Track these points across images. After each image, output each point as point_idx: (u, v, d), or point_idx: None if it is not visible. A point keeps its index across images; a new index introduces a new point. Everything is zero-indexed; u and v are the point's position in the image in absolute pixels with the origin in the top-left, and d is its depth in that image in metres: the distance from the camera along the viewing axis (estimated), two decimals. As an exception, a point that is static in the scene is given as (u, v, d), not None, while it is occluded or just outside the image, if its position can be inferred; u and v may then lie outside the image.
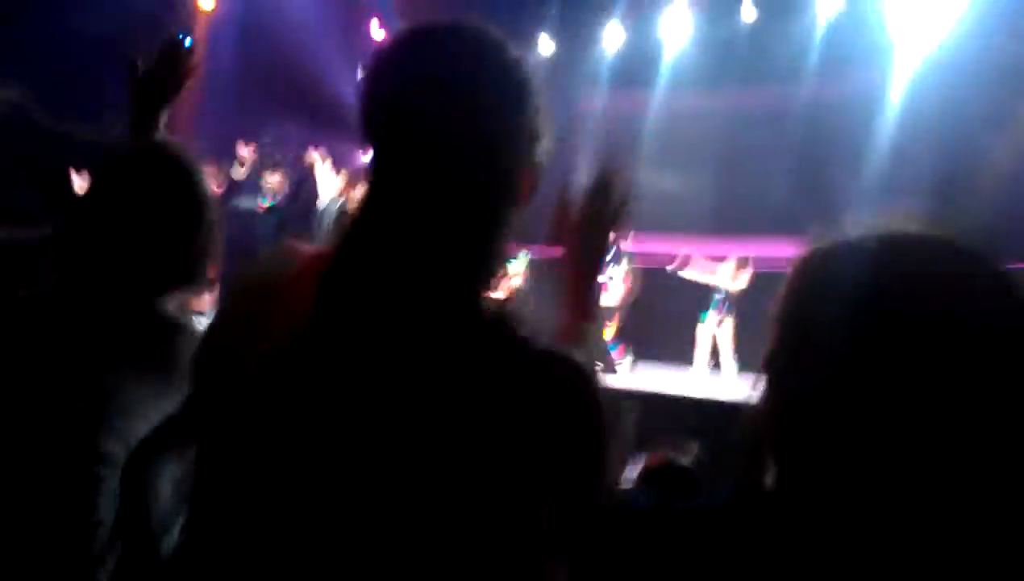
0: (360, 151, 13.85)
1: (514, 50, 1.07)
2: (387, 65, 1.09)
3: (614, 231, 1.42)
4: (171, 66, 1.94)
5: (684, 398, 7.10)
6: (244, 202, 10.77)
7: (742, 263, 9.60)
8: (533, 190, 1.09)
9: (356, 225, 1.05)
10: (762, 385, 1.00)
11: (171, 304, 1.57)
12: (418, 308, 0.99)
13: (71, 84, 18.62)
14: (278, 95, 14.45)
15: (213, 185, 1.69)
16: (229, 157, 16.05)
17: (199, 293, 1.62)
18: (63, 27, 18.52)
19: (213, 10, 14.99)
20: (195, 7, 15.38)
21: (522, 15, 12.75)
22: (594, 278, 1.40)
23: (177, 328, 1.51)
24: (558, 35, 12.78)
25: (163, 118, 1.94)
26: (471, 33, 1.07)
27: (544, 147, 1.09)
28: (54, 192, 19.29)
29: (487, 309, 1.04)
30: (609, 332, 9.99)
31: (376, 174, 1.06)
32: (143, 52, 2.04)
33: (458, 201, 1.01)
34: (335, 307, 1.00)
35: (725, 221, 11.54)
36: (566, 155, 12.54)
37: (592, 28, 12.43)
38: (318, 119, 14.23)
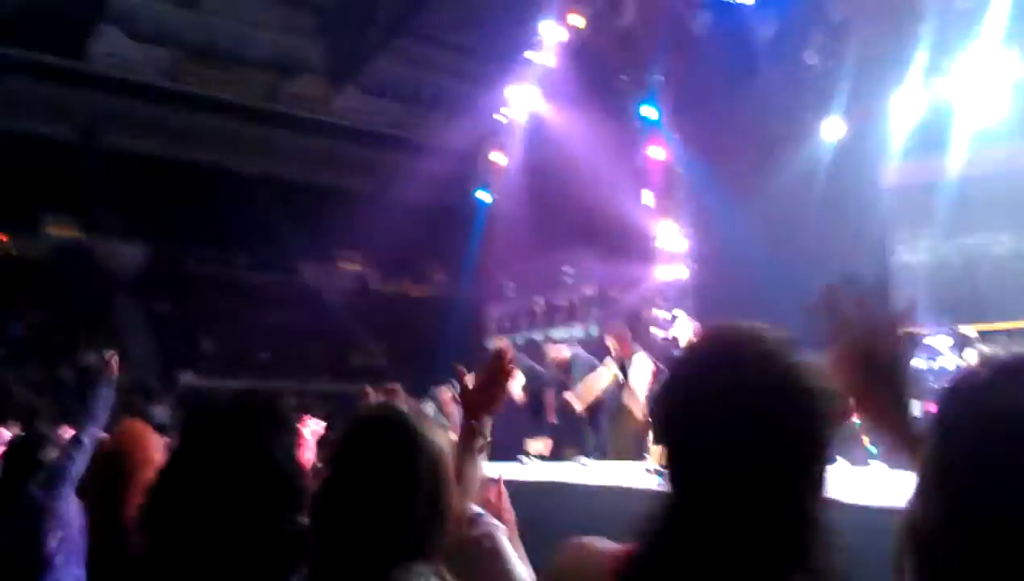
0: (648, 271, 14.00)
1: (801, 355, 1.09)
2: (688, 371, 1.13)
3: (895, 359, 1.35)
4: (495, 379, 2.06)
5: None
6: None
7: None
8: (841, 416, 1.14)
9: (658, 527, 1.07)
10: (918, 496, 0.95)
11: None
12: None
13: (398, 248, 21.16)
14: (572, 229, 15.17)
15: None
16: (536, 293, 16.98)
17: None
18: (385, 199, 21.16)
19: (506, 162, 16.32)
20: (491, 164, 16.87)
21: (803, 102, 12.35)
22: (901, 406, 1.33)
23: None
24: (847, 114, 12.14)
25: (486, 427, 2.04)
26: (761, 342, 1.10)
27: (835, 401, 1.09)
28: (397, 348, 21.47)
29: None
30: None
31: (675, 477, 1.08)
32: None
33: (770, 501, 1.03)
34: None
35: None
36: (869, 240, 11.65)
37: (883, 100, 11.64)
38: (610, 244, 14.65)
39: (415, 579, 1.45)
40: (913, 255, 11.95)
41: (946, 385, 0.98)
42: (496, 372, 2.06)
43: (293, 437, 1.69)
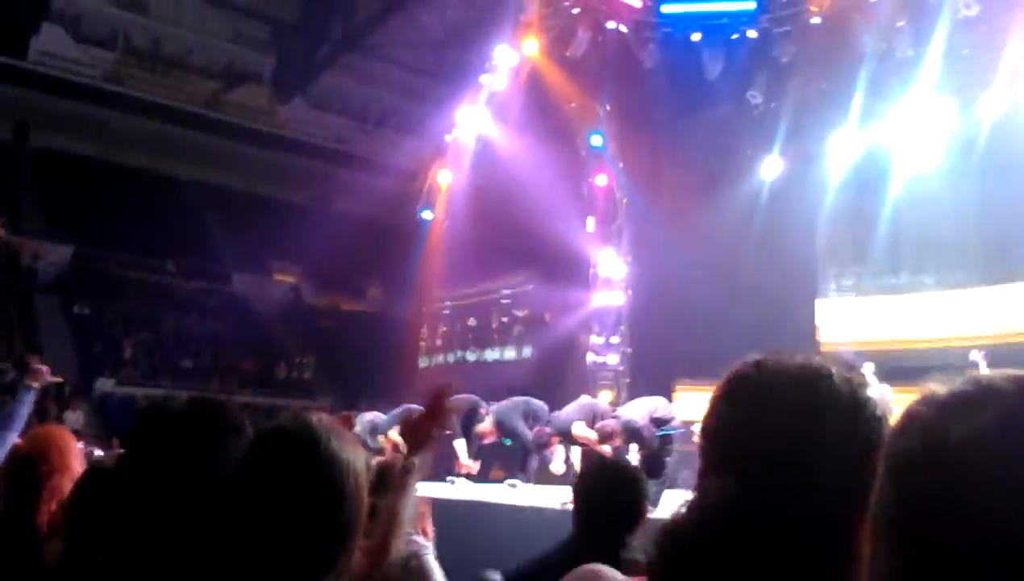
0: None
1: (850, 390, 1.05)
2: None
3: None
4: (433, 416, 2.08)
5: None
6: None
7: None
8: None
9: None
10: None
11: None
12: None
13: (336, 262, 20.95)
14: (513, 252, 15.27)
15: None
16: (472, 313, 16.97)
17: None
18: (325, 214, 20.99)
19: (451, 183, 16.37)
20: (435, 183, 16.89)
21: (745, 140, 12.72)
22: None
23: None
24: (786, 154, 12.58)
25: (423, 462, 2.05)
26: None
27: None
28: (329, 363, 21.12)
29: None
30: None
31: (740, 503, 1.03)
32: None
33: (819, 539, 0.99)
34: None
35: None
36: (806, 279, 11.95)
37: (821, 141, 12.09)
38: (550, 269, 14.78)
39: None
40: (842, 294, 12.37)
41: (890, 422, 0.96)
42: (435, 410, 2.09)
43: (243, 444, 1.63)
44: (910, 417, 0.86)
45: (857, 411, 1.03)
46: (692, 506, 1.04)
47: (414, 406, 9.27)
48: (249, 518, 1.44)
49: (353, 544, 1.48)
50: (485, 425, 9.05)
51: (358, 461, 1.50)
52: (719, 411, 1.09)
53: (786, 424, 1.02)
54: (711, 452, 1.08)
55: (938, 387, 0.84)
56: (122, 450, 1.77)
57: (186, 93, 22.99)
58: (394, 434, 9.07)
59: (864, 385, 1.05)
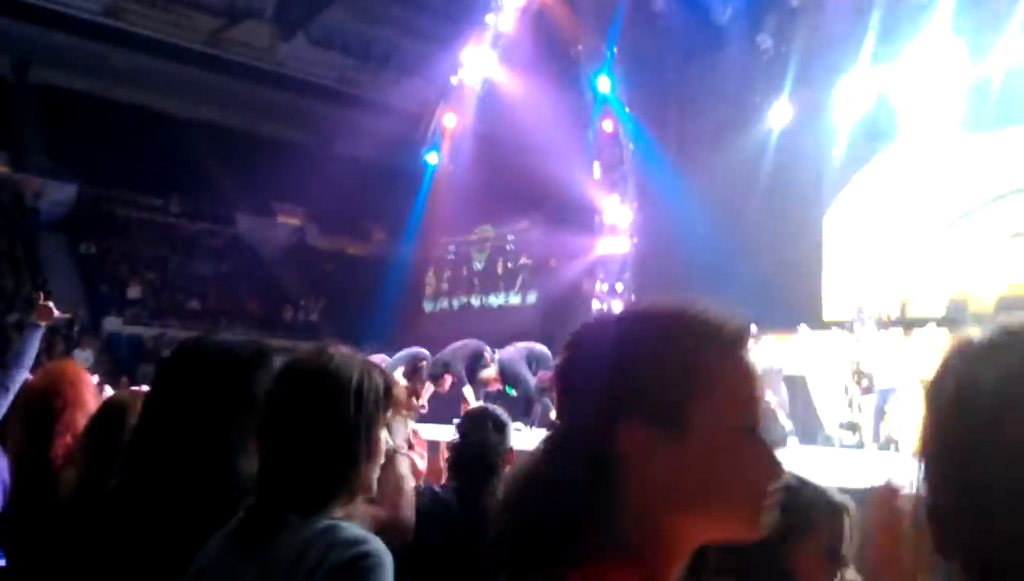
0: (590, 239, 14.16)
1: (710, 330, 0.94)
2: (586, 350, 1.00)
3: None
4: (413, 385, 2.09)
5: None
6: None
7: None
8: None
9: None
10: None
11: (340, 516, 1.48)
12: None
13: (340, 204, 20.87)
14: (517, 197, 15.18)
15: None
16: (476, 258, 16.98)
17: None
18: (329, 154, 20.84)
19: (456, 126, 16.23)
20: (440, 125, 16.75)
21: (753, 85, 12.54)
22: None
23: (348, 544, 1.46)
24: (794, 99, 12.40)
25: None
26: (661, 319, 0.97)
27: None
28: (334, 306, 21.23)
29: None
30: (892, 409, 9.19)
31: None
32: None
33: None
34: None
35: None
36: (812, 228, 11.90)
37: (830, 87, 11.90)
38: (554, 214, 14.73)
39: (330, 522, 1.44)
40: (846, 242, 12.33)
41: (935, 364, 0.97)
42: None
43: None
44: (944, 364, 0.93)
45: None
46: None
47: (420, 349, 9.41)
48: (266, 444, 1.50)
49: (363, 464, 1.51)
50: (490, 372, 9.15)
51: (370, 387, 1.53)
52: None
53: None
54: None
55: (971, 334, 0.91)
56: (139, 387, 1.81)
57: (186, 29, 22.59)
58: (399, 376, 9.18)
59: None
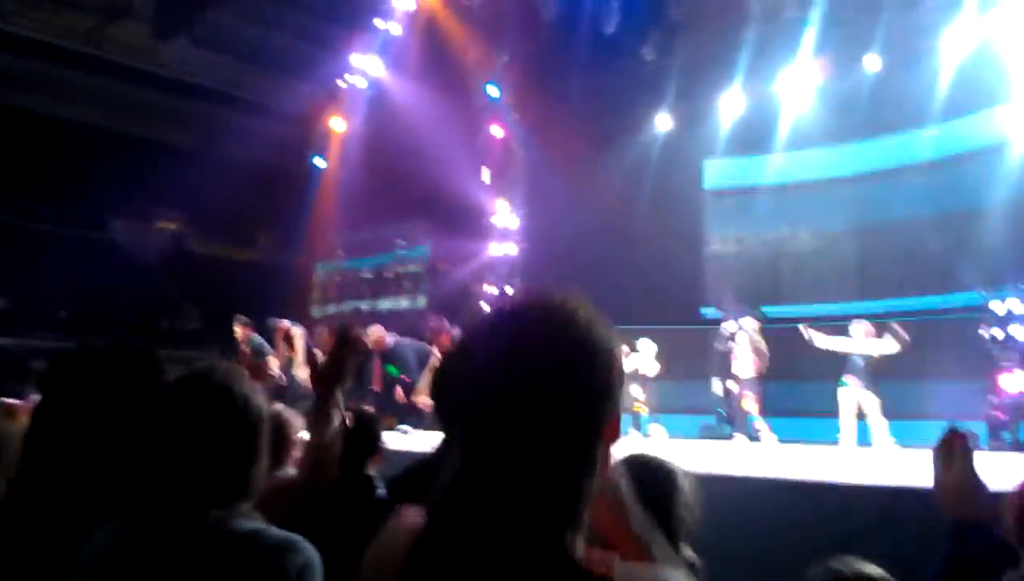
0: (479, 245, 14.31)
1: (592, 325, 1.11)
2: (475, 346, 1.15)
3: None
4: (343, 352, 2.11)
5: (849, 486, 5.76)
6: None
7: (876, 327, 9.00)
8: (616, 436, 1.15)
9: (448, 493, 1.10)
10: None
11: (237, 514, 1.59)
12: (511, 562, 1.05)
13: (223, 209, 20.29)
14: (407, 200, 15.17)
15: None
16: (365, 262, 16.84)
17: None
18: (213, 158, 20.26)
19: (344, 130, 16.08)
20: (329, 129, 16.56)
21: (638, 96, 12.96)
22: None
23: (246, 540, 1.54)
24: (676, 111, 12.90)
25: (338, 397, 2.10)
26: (549, 313, 1.12)
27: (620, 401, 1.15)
28: (216, 314, 20.57)
29: (581, 559, 1.07)
30: (749, 403, 9.59)
31: (465, 443, 1.12)
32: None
33: (546, 463, 1.08)
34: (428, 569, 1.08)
35: (867, 280, 11.02)
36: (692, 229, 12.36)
37: (710, 99, 12.44)
38: (444, 218, 14.77)
39: (236, 519, 1.56)
40: (724, 246, 12.89)
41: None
42: (344, 346, 2.14)
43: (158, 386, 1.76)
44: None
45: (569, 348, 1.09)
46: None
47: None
48: (173, 450, 1.58)
49: (260, 469, 1.65)
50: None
51: (262, 402, 1.69)
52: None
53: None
54: None
55: None
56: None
57: (62, 28, 21.57)
58: None
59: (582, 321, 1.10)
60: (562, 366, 1.07)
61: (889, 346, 8.85)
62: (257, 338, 10.54)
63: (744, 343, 9.92)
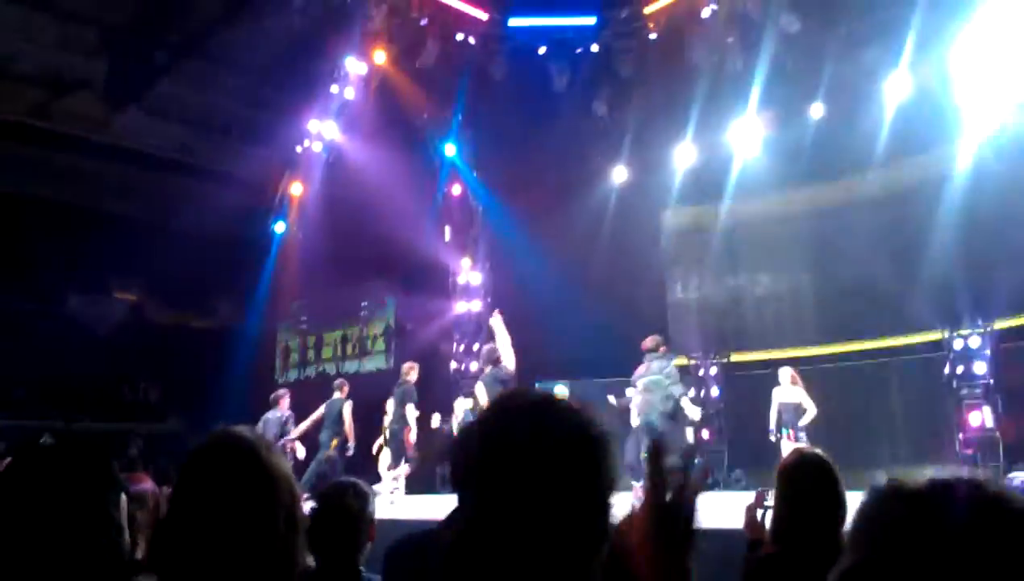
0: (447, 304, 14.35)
1: (587, 425, 1.17)
2: (481, 434, 1.20)
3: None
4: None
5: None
6: None
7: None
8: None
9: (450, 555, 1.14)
10: None
11: None
12: None
13: (182, 278, 20.08)
14: (369, 262, 15.17)
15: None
16: (330, 325, 16.68)
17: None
18: (169, 227, 20.11)
19: (302, 194, 16.07)
20: (287, 194, 16.53)
21: (593, 149, 13.18)
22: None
23: None
24: (631, 163, 13.15)
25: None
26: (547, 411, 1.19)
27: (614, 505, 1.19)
28: (177, 384, 20.21)
29: None
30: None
31: (467, 521, 1.16)
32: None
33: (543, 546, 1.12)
34: None
35: (827, 322, 11.24)
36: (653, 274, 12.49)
37: (664, 151, 12.70)
38: (407, 278, 14.80)
39: None
40: (685, 293, 13.07)
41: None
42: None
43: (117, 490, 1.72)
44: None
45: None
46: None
47: None
48: (195, 530, 1.46)
49: (292, 558, 1.51)
50: None
51: (286, 468, 1.57)
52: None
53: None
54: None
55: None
56: None
57: (9, 101, 21.39)
58: None
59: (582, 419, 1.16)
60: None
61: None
62: None
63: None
